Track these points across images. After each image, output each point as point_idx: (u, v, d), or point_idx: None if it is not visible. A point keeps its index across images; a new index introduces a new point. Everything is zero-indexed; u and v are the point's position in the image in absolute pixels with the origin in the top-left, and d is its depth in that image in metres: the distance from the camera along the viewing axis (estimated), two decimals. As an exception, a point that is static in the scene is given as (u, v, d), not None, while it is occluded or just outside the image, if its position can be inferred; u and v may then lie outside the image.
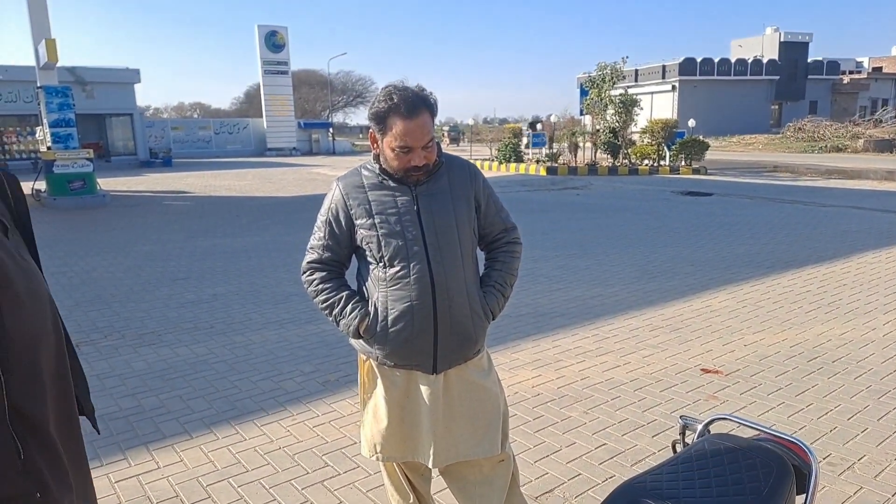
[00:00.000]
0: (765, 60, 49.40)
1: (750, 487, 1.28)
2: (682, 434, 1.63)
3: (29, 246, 1.59)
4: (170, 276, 7.15)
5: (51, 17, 13.74)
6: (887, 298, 5.64)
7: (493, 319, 2.20)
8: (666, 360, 4.37)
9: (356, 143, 47.74)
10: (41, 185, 14.16)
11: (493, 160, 24.69)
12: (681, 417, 1.66)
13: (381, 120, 1.96)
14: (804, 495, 1.37)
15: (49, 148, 13.84)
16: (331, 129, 41.06)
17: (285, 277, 6.94)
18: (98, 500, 1.68)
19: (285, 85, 36.15)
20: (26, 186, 16.07)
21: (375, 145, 2.03)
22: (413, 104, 1.93)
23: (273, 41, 35.17)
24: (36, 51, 13.97)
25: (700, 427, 1.59)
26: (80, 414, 1.63)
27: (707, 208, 12.44)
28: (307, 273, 2.12)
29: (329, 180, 19.64)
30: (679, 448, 1.62)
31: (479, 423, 2.16)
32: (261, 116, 36.64)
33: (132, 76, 30.00)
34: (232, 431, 3.43)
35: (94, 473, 3.20)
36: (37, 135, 18.50)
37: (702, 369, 4.22)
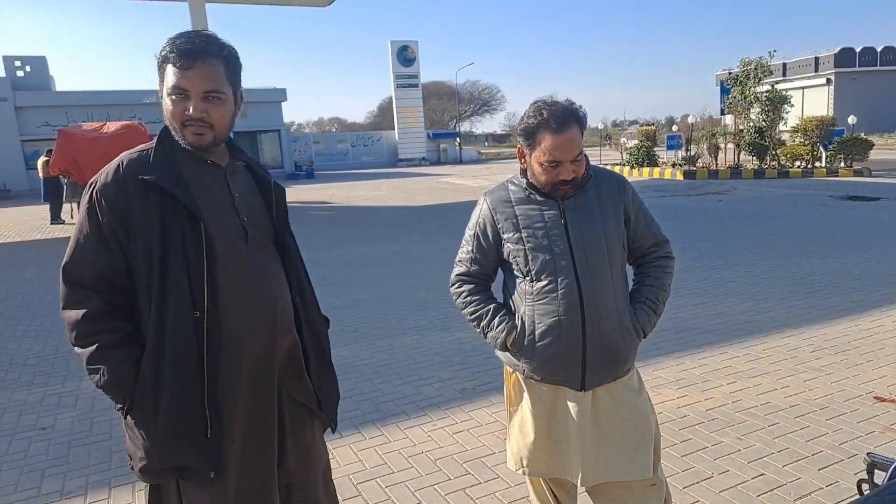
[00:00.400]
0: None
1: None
2: (871, 473, 1.48)
3: (284, 253, 1.79)
4: (318, 282, 7.63)
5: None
6: None
7: (645, 337, 2.13)
8: (831, 386, 3.97)
9: (482, 151, 48.29)
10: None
11: (624, 164, 23.86)
12: (868, 454, 1.50)
13: (530, 135, 1.97)
14: None
15: (211, 164, 15.34)
16: (458, 139, 41.87)
17: (420, 284, 7.17)
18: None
19: (415, 97, 37.43)
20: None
21: (523, 160, 2.05)
22: (562, 118, 1.93)
23: (404, 55, 36.57)
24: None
25: (893, 467, 1.42)
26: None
27: (873, 214, 11.15)
28: (456, 285, 2.18)
29: (457, 189, 20.04)
30: (866, 489, 1.47)
31: (629, 443, 2.09)
32: (393, 129, 38.21)
33: (279, 95, 32.62)
34: (378, 433, 3.59)
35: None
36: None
37: (875, 397, 3.78)
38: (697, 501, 2.84)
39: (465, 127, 63.75)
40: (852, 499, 1.50)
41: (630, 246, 2.15)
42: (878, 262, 7.31)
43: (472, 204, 2.21)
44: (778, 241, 8.96)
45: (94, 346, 1.62)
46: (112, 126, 15.19)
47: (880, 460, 1.47)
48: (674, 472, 3.12)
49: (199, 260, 1.61)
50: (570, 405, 2.08)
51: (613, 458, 2.09)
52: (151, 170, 1.62)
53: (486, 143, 66.89)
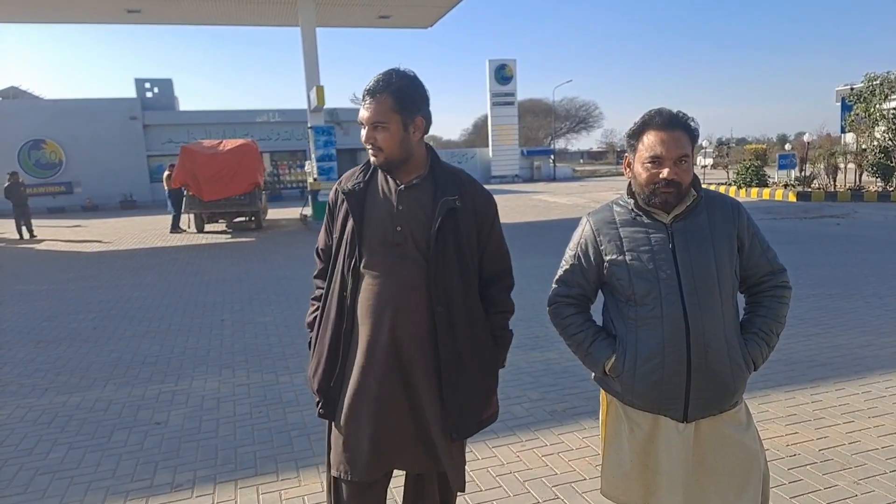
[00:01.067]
0: None
1: None
2: None
3: (431, 263, 2.04)
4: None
5: (319, 67, 16.14)
6: None
7: (755, 370, 2.01)
8: (970, 432, 3.55)
9: (577, 168, 47.51)
10: (308, 210, 16.57)
11: (730, 184, 22.68)
12: None
13: (635, 136, 1.95)
14: None
15: (315, 179, 16.14)
16: (552, 156, 41.49)
17: (511, 303, 7.11)
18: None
19: (511, 115, 37.52)
20: (295, 212, 18.95)
21: (628, 170, 2.01)
22: (670, 119, 1.90)
23: (502, 74, 36.81)
24: (308, 96, 16.48)
25: None
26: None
27: None
28: (555, 305, 2.15)
29: (549, 207, 19.82)
30: None
31: (734, 481, 1.98)
32: (487, 146, 38.45)
33: (379, 114, 33.67)
34: (467, 450, 3.59)
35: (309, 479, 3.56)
36: (305, 167, 21.72)
37: None
38: (809, 550, 2.62)
39: (560, 144, 63.07)
40: None
41: (743, 274, 2.04)
42: None
43: (565, 222, 2.19)
44: (906, 269, 8.17)
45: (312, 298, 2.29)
46: (228, 144, 16.35)
47: None
48: (782, 514, 2.90)
49: (352, 254, 2.05)
50: (670, 436, 1.99)
51: (716, 497, 1.98)
52: (349, 180, 2.14)
53: (582, 161, 65.84)
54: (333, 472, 2.10)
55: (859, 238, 11.26)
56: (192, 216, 16.21)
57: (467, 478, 3.26)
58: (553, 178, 38.33)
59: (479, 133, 56.44)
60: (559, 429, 3.85)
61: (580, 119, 63.80)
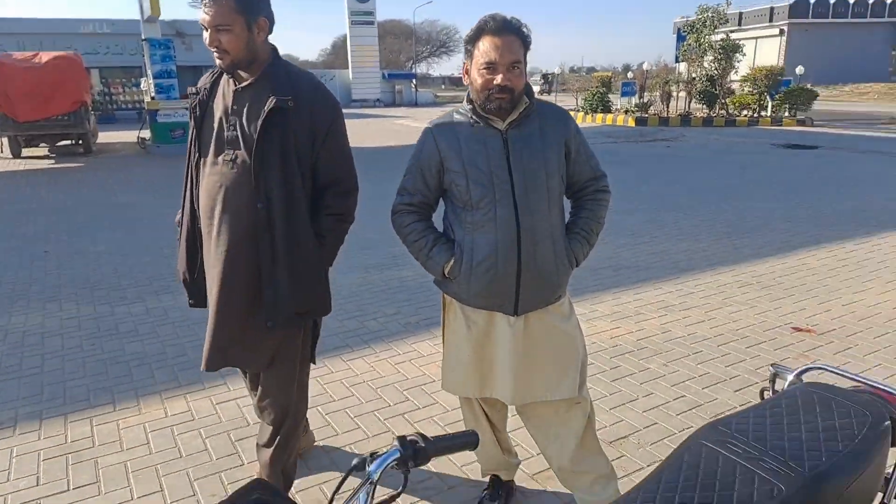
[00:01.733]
0: (889, 0, 44.48)
1: (843, 434, 1.24)
2: (772, 382, 1.59)
3: (255, 163, 2.08)
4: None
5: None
6: None
7: (577, 266, 2.19)
8: (754, 318, 4.21)
9: (438, 94, 47.46)
10: (146, 133, 15.09)
11: (578, 110, 23.92)
12: (772, 365, 1.62)
13: (471, 41, 1.98)
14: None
15: (153, 98, 14.64)
16: (414, 81, 40.96)
17: (369, 225, 7.10)
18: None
19: (371, 35, 36.19)
20: (132, 135, 17.21)
21: (467, 76, 2.03)
22: (503, 24, 1.94)
23: (360, -10, 35.13)
24: (140, 4, 14.67)
25: (791, 376, 1.54)
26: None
27: (810, 162, 11.60)
28: (397, 214, 2.18)
29: (411, 132, 19.74)
30: (768, 395, 1.58)
31: (557, 366, 2.18)
32: (347, 67, 37.02)
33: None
34: (321, 365, 3.63)
35: (181, 397, 3.45)
36: (141, 86, 19.60)
37: (793, 328, 4.04)
38: (622, 421, 3.02)
39: (421, 68, 62.41)
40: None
41: (569, 180, 2.18)
42: (808, 206, 7.65)
43: None
44: (719, 185, 9.25)
45: None
46: (45, 56, 14.24)
47: (782, 371, 1.59)
48: (603, 395, 3.29)
49: (194, 153, 2.19)
50: (503, 330, 2.14)
51: (541, 380, 2.18)
52: (201, 83, 2.21)
53: (443, 86, 65.70)
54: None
55: (685, 158, 12.50)
56: (5, 139, 14.15)
57: (321, 391, 3.32)
58: (415, 104, 37.98)
59: (338, 54, 54.11)
60: (412, 338, 4.00)
61: (441, 43, 63.23)
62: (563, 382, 2.19)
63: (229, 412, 3.14)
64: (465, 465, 2.68)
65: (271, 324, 2.16)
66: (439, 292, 2.25)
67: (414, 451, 0.97)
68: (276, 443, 2.37)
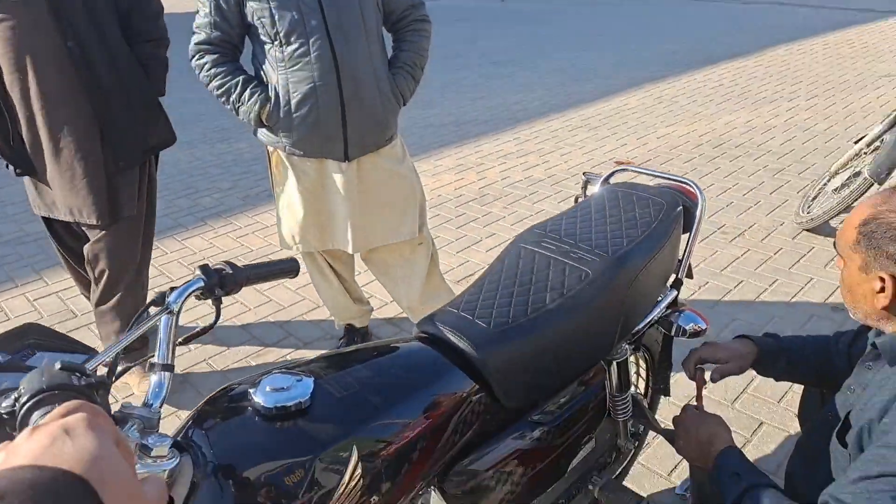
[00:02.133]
0: None
1: (641, 222, 1.37)
2: (584, 188, 1.70)
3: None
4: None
5: None
6: (792, 88, 5.86)
7: (405, 103, 2.13)
8: (582, 157, 4.50)
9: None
10: None
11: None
12: (583, 174, 1.72)
13: None
14: (689, 233, 1.49)
15: None
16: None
17: (191, 97, 6.47)
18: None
19: None
20: None
21: None
22: None
23: None
24: None
25: (600, 180, 1.65)
26: None
27: (635, 10, 12.12)
28: (196, 57, 1.94)
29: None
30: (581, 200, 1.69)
31: (395, 209, 2.18)
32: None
33: None
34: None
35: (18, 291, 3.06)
36: None
37: (615, 161, 4.38)
38: (468, 262, 3.17)
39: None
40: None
41: (385, 9, 2.04)
42: (630, 52, 8.08)
43: None
44: (551, 38, 9.43)
45: None
46: None
47: (592, 177, 1.70)
48: (449, 241, 3.41)
49: None
50: (336, 177, 2.07)
51: (381, 225, 2.18)
52: None
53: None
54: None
55: (518, 14, 12.51)
56: None
57: (156, 273, 3.11)
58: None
59: None
60: (253, 210, 3.82)
61: None
62: (402, 225, 2.21)
63: (50, 307, 2.86)
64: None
65: (122, 163, 2.11)
66: (255, 137, 2.11)
67: (220, 279, 0.91)
68: (117, 300, 2.26)
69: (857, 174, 3.00)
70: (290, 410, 0.84)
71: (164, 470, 0.75)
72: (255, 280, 0.98)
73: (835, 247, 1.10)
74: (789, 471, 1.23)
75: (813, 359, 1.36)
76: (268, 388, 0.85)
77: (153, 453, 0.75)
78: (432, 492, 1.16)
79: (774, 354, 1.37)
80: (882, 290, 1.00)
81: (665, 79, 6.50)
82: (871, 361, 1.11)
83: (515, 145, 4.82)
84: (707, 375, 1.35)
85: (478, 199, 3.92)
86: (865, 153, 3.06)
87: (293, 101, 1.91)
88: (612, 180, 1.63)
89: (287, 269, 1.04)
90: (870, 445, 0.96)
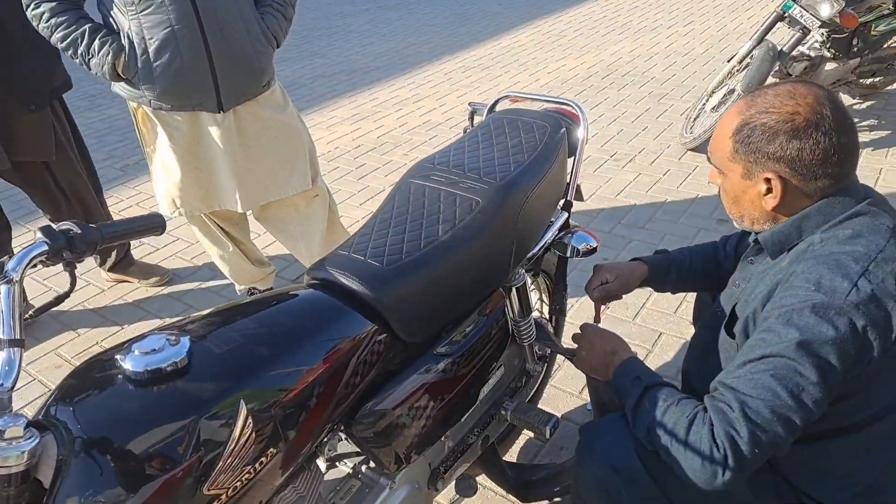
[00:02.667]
0: None
1: (527, 147, 1.36)
2: (471, 119, 1.68)
3: None
4: None
5: None
6: (670, 15, 6.06)
7: (279, 46, 1.99)
8: (478, 97, 4.47)
9: None
10: None
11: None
12: (469, 104, 1.69)
13: None
14: (575, 155, 1.51)
15: None
16: None
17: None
18: None
19: None
20: None
21: None
22: None
23: None
24: None
25: (486, 109, 1.63)
26: None
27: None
28: (31, 6, 1.72)
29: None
30: (468, 128, 1.67)
31: (283, 160, 2.07)
32: None
33: None
34: (24, 231, 3.08)
35: None
36: None
37: (510, 100, 4.39)
38: (372, 211, 3.10)
39: None
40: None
41: None
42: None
43: None
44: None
45: None
46: None
47: (478, 107, 1.68)
48: (351, 193, 3.33)
49: None
50: (212, 130, 1.93)
51: (270, 178, 2.07)
52: None
53: None
54: None
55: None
56: None
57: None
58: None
59: None
60: (135, 181, 3.56)
61: None
62: (294, 176, 2.11)
63: None
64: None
65: (33, 107, 2.15)
66: (114, 92, 1.93)
67: (68, 241, 0.81)
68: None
69: (732, 91, 3.16)
70: (165, 372, 0.78)
71: (23, 451, 0.68)
72: (112, 240, 0.89)
73: (710, 162, 1.12)
74: (685, 369, 1.30)
75: (701, 267, 1.43)
76: (137, 353, 0.78)
77: (6, 435, 0.67)
78: (341, 438, 1.14)
79: (664, 269, 1.44)
80: (769, 190, 1.01)
81: (552, 13, 6.53)
82: (753, 256, 1.17)
83: (410, 90, 4.73)
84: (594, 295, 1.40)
85: (377, 149, 3.83)
86: (738, 70, 3.21)
87: (151, 49, 1.74)
88: (498, 108, 1.61)
89: (151, 225, 0.95)
90: (753, 332, 1.01)
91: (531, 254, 1.36)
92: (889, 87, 3.83)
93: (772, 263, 1.08)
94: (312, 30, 6.55)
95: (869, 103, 3.78)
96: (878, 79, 3.54)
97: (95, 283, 2.69)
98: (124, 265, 2.63)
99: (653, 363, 2.08)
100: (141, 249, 2.90)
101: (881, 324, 0.93)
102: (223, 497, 0.78)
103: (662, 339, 2.18)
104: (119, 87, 1.86)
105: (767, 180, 1.01)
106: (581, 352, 1.26)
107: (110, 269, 2.63)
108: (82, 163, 2.44)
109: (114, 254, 2.58)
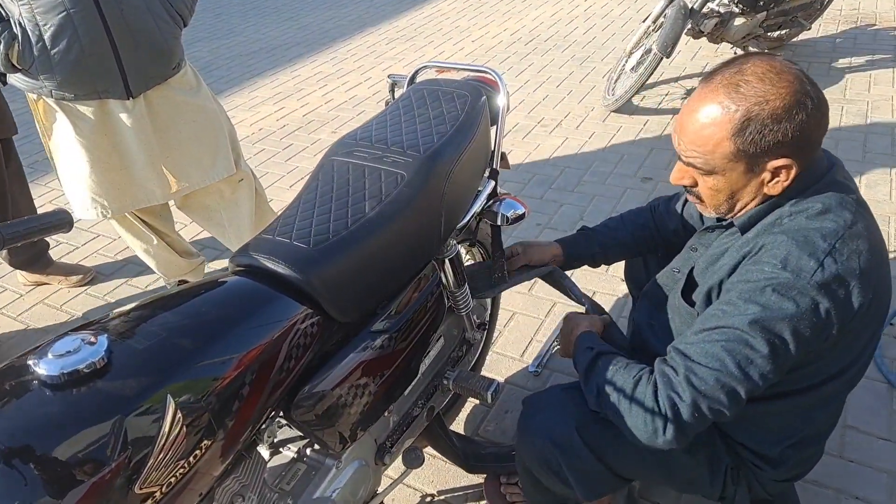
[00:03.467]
0: None
1: (449, 117, 1.36)
2: (392, 92, 1.66)
3: None
4: None
5: None
6: (590, -21, 6.12)
7: (185, 24, 1.90)
8: (403, 69, 4.42)
9: None
10: None
11: None
12: (388, 76, 1.67)
13: None
14: (496, 123, 1.52)
15: None
16: None
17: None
18: None
19: None
20: None
21: None
22: None
23: None
24: None
25: (406, 81, 1.62)
26: None
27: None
28: None
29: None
30: (389, 101, 1.66)
31: (204, 145, 2.00)
32: None
33: None
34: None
35: None
36: None
37: (436, 71, 4.35)
38: (301, 192, 3.04)
39: None
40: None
41: None
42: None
43: None
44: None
45: None
46: None
47: (398, 79, 1.65)
48: (280, 175, 3.25)
49: None
50: (123, 118, 1.83)
51: (191, 166, 1.99)
52: None
53: None
54: None
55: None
56: None
57: None
58: None
59: None
60: (46, 177, 3.35)
61: None
62: (217, 161, 2.03)
63: None
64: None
65: None
66: (11, 84, 1.80)
67: None
68: None
69: (649, 51, 3.24)
70: (83, 374, 0.74)
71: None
72: (15, 240, 0.84)
73: (684, 163, 1.04)
74: (635, 319, 1.31)
75: (631, 236, 1.48)
76: (51, 356, 0.75)
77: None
78: (282, 423, 1.13)
79: (583, 245, 1.50)
80: (775, 176, 0.97)
81: (473, -19, 6.48)
82: (712, 223, 1.18)
83: (334, 65, 4.62)
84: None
85: (303, 128, 3.73)
86: (653, 31, 3.30)
87: (46, 36, 1.62)
88: (418, 79, 1.60)
89: (56, 222, 0.90)
90: (714, 302, 1.04)
91: (461, 224, 1.37)
92: (795, 39, 4.02)
93: (739, 235, 1.06)
94: (226, 6, 6.27)
95: (778, 56, 3.95)
96: (783, 31, 3.70)
97: (13, 287, 2.55)
98: (42, 265, 2.49)
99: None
100: (59, 249, 2.75)
101: (842, 304, 0.93)
102: (157, 494, 0.76)
103: (555, 308, 2.22)
104: (16, 79, 1.73)
105: (776, 169, 0.97)
106: (561, 343, 1.32)
107: (28, 271, 2.48)
108: None
109: (26, 254, 2.44)
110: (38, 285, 2.53)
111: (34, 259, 2.46)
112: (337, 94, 4.15)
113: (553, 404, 1.20)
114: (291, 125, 3.78)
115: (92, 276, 2.56)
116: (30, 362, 0.76)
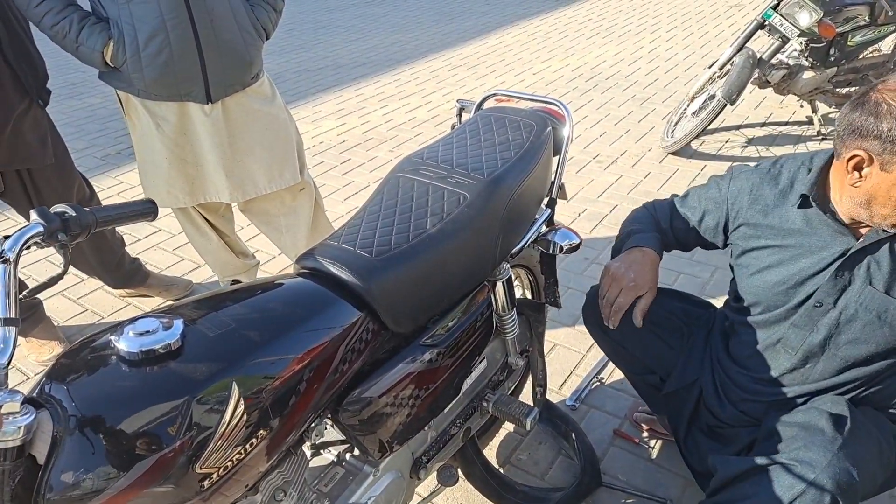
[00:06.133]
0: None
1: (514, 144, 1.39)
2: (459, 116, 1.71)
3: None
4: None
5: None
6: (654, 20, 6.15)
7: (268, 37, 2.00)
8: (464, 95, 4.50)
9: None
10: None
11: None
12: (457, 101, 1.72)
13: None
14: (559, 154, 1.54)
15: None
16: None
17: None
18: None
19: None
20: None
21: None
22: None
23: None
24: None
25: (474, 107, 1.66)
26: None
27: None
28: None
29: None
30: (456, 125, 1.70)
31: (274, 153, 2.08)
32: None
33: None
34: (3, 218, 3.04)
35: None
36: None
37: (497, 99, 4.42)
38: (356, 207, 3.12)
39: None
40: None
41: None
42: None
43: None
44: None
45: None
46: None
47: (466, 104, 1.70)
48: (336, 188, 3.33)
49: None
50: (200, 121, 1.93)
51: (259, 172, 2.07)
52: None
53: None
54: None
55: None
56: None
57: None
58: None
59: None
60: (115, 171, 3.52)
61: None
62: (284, 170, 2.11)
63: None
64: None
65: (41, 101, 2.06)
66: (103, 83, 1.92)
67: (63, 223, 0.83)
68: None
69: (713, 97, 3.23)
70: (158, 353, 0.79)
71: (19, 427, 0.69)
72: (105, 223, 0.90)
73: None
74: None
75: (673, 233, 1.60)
76: (131, 334, 0.80)
77: (3, 410, 0.68)
78: (327, 424, 1.16)
79: (664, 244, 1.57)
80: None
81: (538, 15, 6.59)
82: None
83: (396, 87, 4.74)
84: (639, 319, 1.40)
85: (362, 144, 3.84)
86: (718, 77, 3.28)
87: (140, 39, 1.73)
88: (486, 106, 1.64)
89: (143, 211, 0.96)
90: None
91: (515, 250, 1.39)
92: (863, 97, 3.94)
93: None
94: (298, 23, 6.53)
95: (844, 112, 3.88)
96: (853, 88, 3.63)
97: (74, 272, 2.68)
98: (140, 279, 2.49)
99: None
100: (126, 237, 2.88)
101: None
102: (214, 476, 0.79)
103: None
104: (108, 76, 1.85)
105: None
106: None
107: (128, 288, 2.49)
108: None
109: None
110: (139, 296, 2.56)
111: (130, 276, 2.46)
112: (397, 114, 4.25)
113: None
114: (351, 141, 3.89)
115: (191, 289, 2.58)
116: (111, 337, 0.81)
